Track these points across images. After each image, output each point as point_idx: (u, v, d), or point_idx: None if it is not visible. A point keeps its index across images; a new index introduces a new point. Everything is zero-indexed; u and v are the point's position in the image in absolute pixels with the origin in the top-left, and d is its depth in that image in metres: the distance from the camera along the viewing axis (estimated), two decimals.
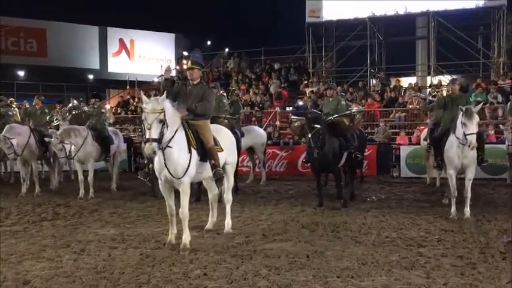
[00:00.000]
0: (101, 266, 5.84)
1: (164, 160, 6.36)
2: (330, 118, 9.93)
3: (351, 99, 16.98)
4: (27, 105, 14.89)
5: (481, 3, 21.31)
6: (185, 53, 29.40)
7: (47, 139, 11.94)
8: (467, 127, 8.05)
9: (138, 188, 12.27)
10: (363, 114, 13.92)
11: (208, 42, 33.39)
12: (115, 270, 5.65)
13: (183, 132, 6.53)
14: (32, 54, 28.80)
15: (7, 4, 24.72)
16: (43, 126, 12.67)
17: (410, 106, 17.98)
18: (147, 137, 6.03)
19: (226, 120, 11.30)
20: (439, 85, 18.44)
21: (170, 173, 6.39)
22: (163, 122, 6.08)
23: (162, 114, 6.07)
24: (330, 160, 9.69)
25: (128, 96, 25.39)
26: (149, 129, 6.02)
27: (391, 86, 20.84)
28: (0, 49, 27.99)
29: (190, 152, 6.50)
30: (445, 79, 19.92)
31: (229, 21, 32.97)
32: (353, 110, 10.46)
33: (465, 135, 8.08)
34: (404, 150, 14.83)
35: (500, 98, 16.80)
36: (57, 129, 12.52)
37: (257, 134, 13.71)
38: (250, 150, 13.75)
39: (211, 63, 27.78)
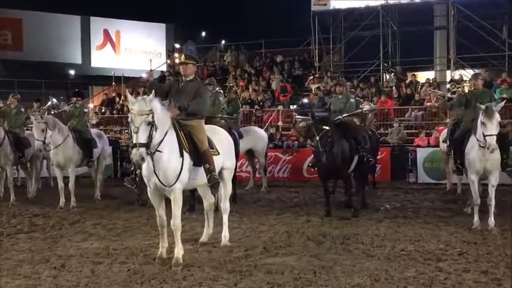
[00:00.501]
0: (83, 284, 5.83)
1: (153, 166, 6.36)
2: (338, 117, 9.94)
3: (361, 96, 17.01)
4: (1, 104, 14.88)
5: None
6: (177, 46, 29.53)
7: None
8: (487, 127, 8.03)
9: (124, 196, 12.27)
10: (375, 113, 13.96)
11: (203, 34, 33.49)
12: None
13: (174, 134, 6.53)
14: (6, 48, 28.76)
15: None
16: (19, 127, 12.64)
17: (428, 104, 17.99)
18: (134, 141, 6.02)
19: (223, 120, 11.36)
20: (460, 80, 18.42)
21: (160, 180, 6.38)
22: (152, 125, 6.06)
23: (151, 115, 6.05)
24: (338, 164, 9.69)
25: (114, 94, 25.46)
26: (136, 132, 6.00)
27: (407, 82, 20.87)
28: None
29: (182, 156, 6.50)
30: (467, 74, 19.93)
31: (226, 11, 33.04)
32: (364, 109, 10.49)
33: (484, 136, 8.07)
34: (422, 153, 14.81)
35: None
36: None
37: (257, 136, 13.71)
38: (250, 154, 13.75)
39: (206, 57, 27.84)
